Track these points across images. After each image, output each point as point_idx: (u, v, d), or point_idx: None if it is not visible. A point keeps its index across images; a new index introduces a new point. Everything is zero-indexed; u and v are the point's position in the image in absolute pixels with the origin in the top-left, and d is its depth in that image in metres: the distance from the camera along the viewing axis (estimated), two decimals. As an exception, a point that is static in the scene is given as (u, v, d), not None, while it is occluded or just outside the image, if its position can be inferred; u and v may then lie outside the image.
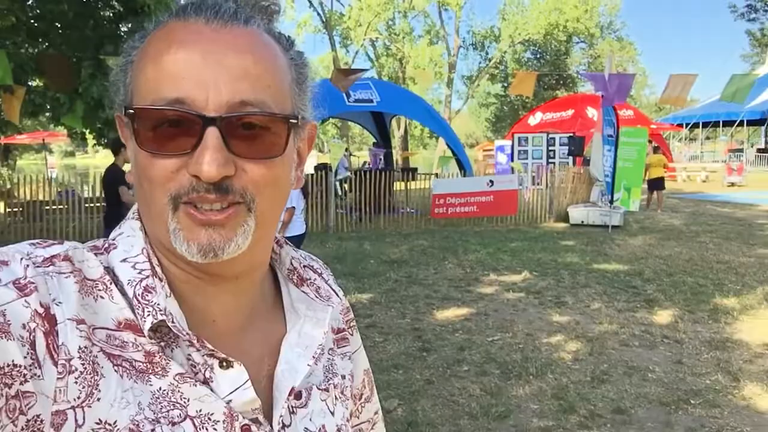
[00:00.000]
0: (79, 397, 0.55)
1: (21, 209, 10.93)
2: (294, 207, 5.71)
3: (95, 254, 0.63)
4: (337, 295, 0.77)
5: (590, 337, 5.36)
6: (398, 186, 14.70)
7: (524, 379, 4.48)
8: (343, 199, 11.22)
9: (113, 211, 6.08)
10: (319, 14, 35.61)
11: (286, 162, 0.63)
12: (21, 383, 0.52)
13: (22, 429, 0.52)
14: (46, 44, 10.98)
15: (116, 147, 6.24)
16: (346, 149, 21.91)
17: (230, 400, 0.61)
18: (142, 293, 0.60)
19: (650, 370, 4.65)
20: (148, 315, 0.59)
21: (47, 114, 12.02)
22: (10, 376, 0.51)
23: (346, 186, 14.87)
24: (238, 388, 0.62)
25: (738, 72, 13.26)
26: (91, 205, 10.78)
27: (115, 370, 0.57)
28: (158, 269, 0.63)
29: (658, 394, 4.22)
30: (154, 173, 0.58)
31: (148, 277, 0.62)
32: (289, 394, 0.66)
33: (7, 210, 11.64)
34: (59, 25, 10.47)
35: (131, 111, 0.59)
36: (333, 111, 15.36)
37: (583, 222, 12.13)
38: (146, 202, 0.61)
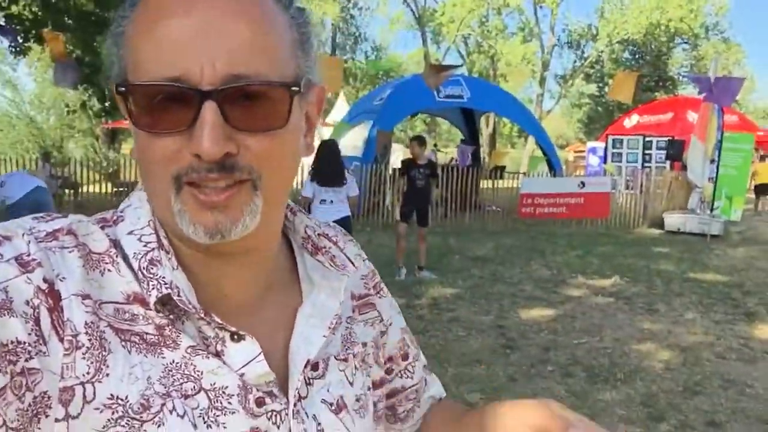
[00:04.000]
0: (88, 373, 0.54)
1: (126, 189, 11.64)
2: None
3: (102, 227, 0.62)
4: (351, 261, 0.72)
5: (683, 347, 5.15)
6: (485, 184, 14.57)
7: (611, 384, 4.37)
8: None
9: None
10: (412, 10, 35.72)
11: (291, 132, 0.59)
12: (26, 360, 0.51)
13: (29, 406, 0.51)
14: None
15: None
16: (434, 145, 21.89)
17: (243, 374, 0.60)
18: (147, 266, 0.59)
19: (749, 385, 4.42)
20: (153, 288, 0.58)
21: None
22: (14, 353, 0.50)
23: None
24: (251, 361, 0.60)
25: None
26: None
27: (123, 346, 0.56)
28: (165, 241, 0.61)
29: (757, 410, 4.01)
30: (154, 153, 0.56)
31: (153, 249, 0.60)
32: (305, 366, 0.65)
33: (114, 190, 12.45)
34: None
35: (123, 89, 0.56)
36: (422, 106, 15.42)
37: (679, 230, 11.59)
38: (148, 182, 0.59)
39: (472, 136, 17.46)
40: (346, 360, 0.71)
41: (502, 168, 15.33)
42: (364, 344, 0.75)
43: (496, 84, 29.33)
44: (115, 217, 0.64)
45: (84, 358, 0.54)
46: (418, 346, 0.87)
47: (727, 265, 8.70)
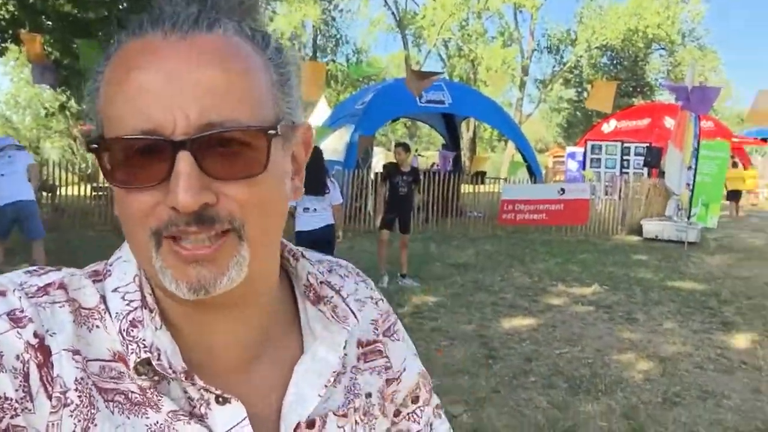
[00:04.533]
0: (74, 431, 0.53)
1: (104, 193, 11.50)
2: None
3: (93, 281, 0.61)
4: (354, 314, 0.69)
5: (662, 357, 5.22)
6: (466, 188, 14.64)
7: (593, 396, 4.41)
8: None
9: None
10: (393, 13, 35.79)
11: (273, 176, 0.57)
12: (12, 417, 0.50)
13: None
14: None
15: None
16: (415, 150, 21.94)
17: None
18: (128, 328, 0.58)
19: (726, 396, 4.48)
20: (132, 353, 0.56)
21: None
22: (0, 410, 0.50)
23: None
24: (235, 425, 0.58)
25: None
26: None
27: (107, 406, 0.55)
28: (149, 298, 0.59)
29: (735, 422, 4.08)
30: (131, 209, 0.54)
31: (135, 309, 0.59)
32: (296, 428, 0.63)
33: (93, 194, 12.28)
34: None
35: (95, 145, 0.55)
36: (404, 111, 15.46)
37: (657, 236, 11.77)
38: (130, 239, 0.58)
39: (452, 141, 17.56)
40: (345, 416, 0.68)
41: (483, 173, 15.42)
42: (368, 395, 0.72)
43: (477, 89, 29.50)
44: (105, 271, 0.62)
45: (71, 416, 0.53)
46: (432, 390, 0.84)
47: (704, 273, 8.85)
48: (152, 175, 0.53)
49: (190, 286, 0.54)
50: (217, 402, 0.58)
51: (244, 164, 0.54)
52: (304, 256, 0.71)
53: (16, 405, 0.51)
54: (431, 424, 0.84)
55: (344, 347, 0.68)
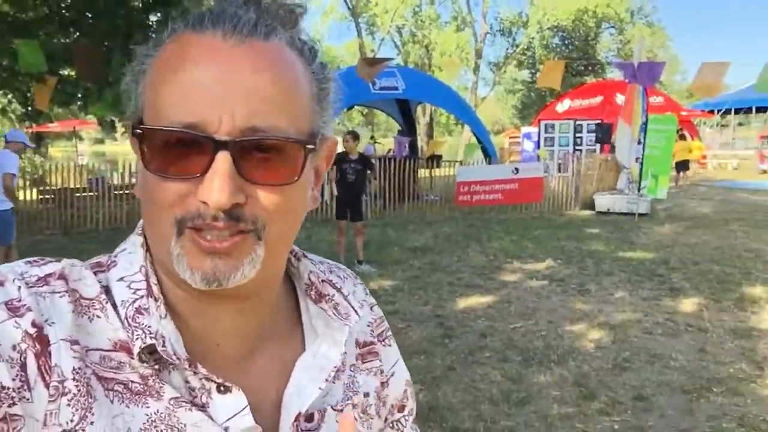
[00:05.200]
0: (72, 420, 0.53)
1: (53, 196, 11.19)
2: None
3: (96, 272, 0.61)
4: (355, 311, 0.71)
5: (613, 325, 5.35)
6: (423, 173, 14.70)
7: (546, 366, 4.50)
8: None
9: None
10: (345, 1, 35.57)
11: (301, 186, 0.59)
12: (9, 406, 0.50)
13: None
14: (77, 34, 11.18)
15: None
16: (371, 137, 21.92)
17: (228, 427, 0.59)
18: (134, 315, 0.58)
19: (673, 358, 4.63)
20: (137, 338, 0.57)
21: (78, 103, 12.27)
22: None
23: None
24: (236, 414, 0.59)
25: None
26: (120, 192, 11.02)
27: (106, 395, 0.56)
28: (155, 288, 0.60)
29: (681, 382, 4.22)
30: (161, 196, 0.55)
31: (141, 297, 0.59)
32: (296, 419, 0.64)
33: (40, 197, 11.93)
34: (89, 15, 10.64)
35: (138, 131, 0.56)
36: (358, 99, 15.38)
37: (609, 210, 12.02)
38: (150, 223, 0.59)
39: (408, 127, 17.58)
40: (344, 410, 0.69)
41: (439, 157, 15.49)
42: (366, 394, 0.73)
43: (432, 74, 29.57)
44: (109, 262, 0.63)
45: (69, 405, 0.53)
46: (415, 400, 0.85)
47: (654, 242, 9.08)
48: (189, 169, 0.54)
49: (204, 276, 0.55)
50: (218, 391, 0.59)
51: (279, 172, 0.56)
52: (305, 257, 0.73)
53: (14, 394, 0.50)
54: None
55: (345, 344, 0.69)
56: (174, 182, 0.55)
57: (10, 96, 13.67)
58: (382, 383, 0.77)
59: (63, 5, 10.85)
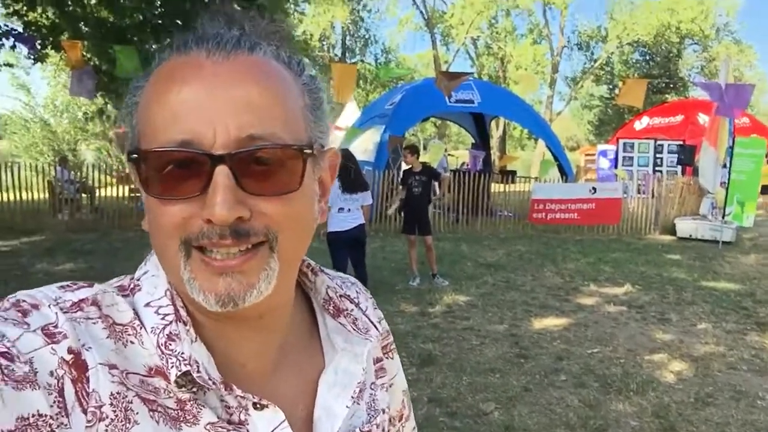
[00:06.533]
0: None
1: (140, 194, 11.76)
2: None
3: (123, 296, 0.61)
4: (374, 326, 0.73)
5: (695, 357, 5.22)
6: (496, 188, 14.63)
7: (624, 395, 4.44)
8: (440, 199, 11.31)
9: None
10: (421, 12, 35.82)
11: (305, 196, 0.59)
12: None
13: None
14: (167, 40, 11.75)
15: None
16: (445, 150, 21.96)
17: None
18: (165, 342, 0.58)
19: (760, 397, 4.48)
20: (172, 366, 0.57)
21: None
22: (35, 427, 0.49)
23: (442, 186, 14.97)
24: (276, 428, 0.60)
25: None
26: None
27: (151, 416, 0.56)
28: (182, 312, 0.60)
29: (767, 423, 4.08)
30: (165, 220, 0.55)
31: (171, 323, 0.59)
32: None
33: (130, 195, 12.60)
34: (180, 22, 11.16)
35: (135, 155, 0.56)
36: (434, 110, 15.50)
37: (691, 236, 11.60)
38: (160, 253, 0.59)
39: (482, 140, 17.53)
40: (370, 431, 0.70)
41: (513, 173, 15.37)
42: (384, 410, 0.74)
43: (506, 87, 29.35)
44: (132, 285, 0.63)
45: (107, 430, 0.53)
46: (411, 407, 0.88)
47: (739, 273, 8.74)
48: (189, 188, 0.54)
49: (218, 298, 0.55)
50: (255, 408, 0.60)
51: (280, 182, 0.56)
52: (323, 271, 0.74)
53: (51, 422, 0.50)
54: None
55: (366, 359, 0.70)
56: (176, 204, 0.55)
57: (107, 99, 14.47)
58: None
59: (156, 12, 11.42)
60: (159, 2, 11.41)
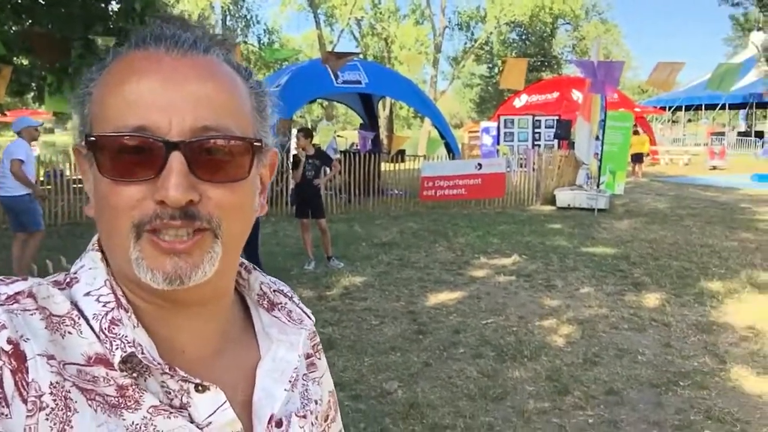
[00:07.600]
0: None
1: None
2: None
3: (59, 289, 0.61)
4: (308, 315, 0.76)
5: (581, 320, 5.51)
6: (386, 167, 14.74)
7: (519, 362, 4.60)
8: (331, 180, 11.23)
9: None
10: (304, -8, 35.18)
11: (250, 186, 0.64)
12: None
13: None
14: (30, 21, 10.78)
15: None
16: (335, 131, 21.83)
17: (210, 422, 0.61)
18: (109, 326, 0.59)
19: (640, 352, 4.79)
20: (117, 348, 0.58)
21: (32, 93, 11.84)
22: None
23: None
24: (217, 409, 0.62)
25: (720, 57, 13.45)
26: (79, 185, 10.71)
27: (89, 405, 0.56)
28: (123, 300, 0.62)
29: (649, 376, 4.37)
30: (118, 201, 0.57)
31: (113, 309, 0.60)
32: (269, 422, 0.66)
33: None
34: (43, 2, 10.27)
35: (92, 139, 0.58)
36: (321, 92, 15.33)
37: (569, 205, 12.29)
38: (108, 232, 0.60)
39: (370, 120, 17.58)
40: (305, 417, 0.72)
41: (403, 152, 15.55)
42: (316, 402, 0.77)
43: (392, 67, 29.58)
44: (68, 279, 0.64)
45: (47, 419, 0.53)
46: (338, 410, 0.89)
47: (614, 238, 9.34)
48: (144, 171, 0.57)
49: (166, 275, 0.57)
50: (197, 390, 0.61)
51: (230, 170, 0.60)
52: (255, 269, 0.77)
53: None
54: None
55: (302, 346, 0.72)
56: (129, 185, 0.57)
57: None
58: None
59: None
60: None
